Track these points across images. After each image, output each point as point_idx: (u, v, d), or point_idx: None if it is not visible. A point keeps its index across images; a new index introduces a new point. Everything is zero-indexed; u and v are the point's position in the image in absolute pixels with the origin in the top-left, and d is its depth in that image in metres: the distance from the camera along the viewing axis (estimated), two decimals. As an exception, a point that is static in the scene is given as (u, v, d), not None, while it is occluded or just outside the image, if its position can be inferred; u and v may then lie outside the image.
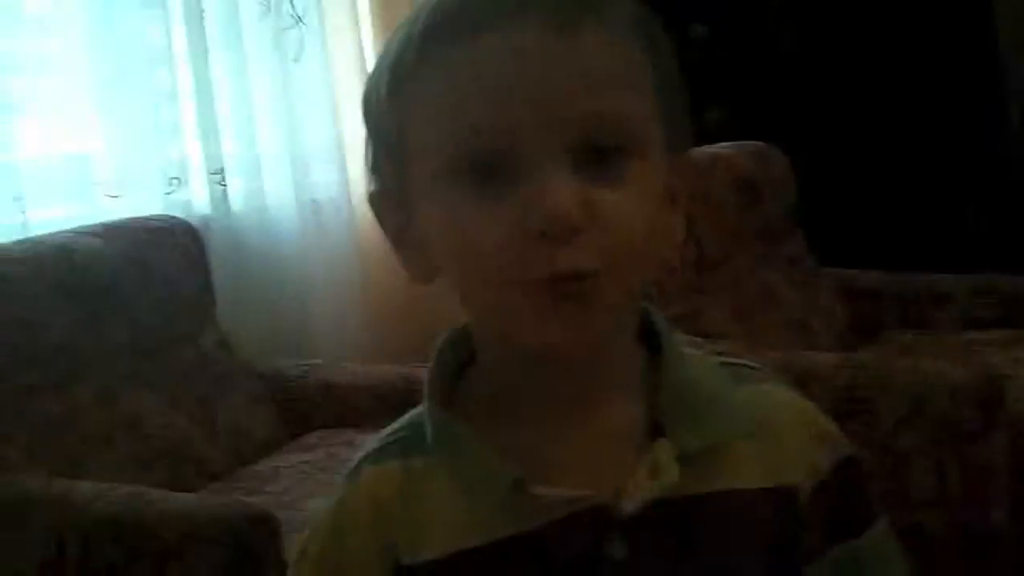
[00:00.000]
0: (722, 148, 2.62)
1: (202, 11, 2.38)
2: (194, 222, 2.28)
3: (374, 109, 0.62)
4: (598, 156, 0.57)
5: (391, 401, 2.17)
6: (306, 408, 2.21)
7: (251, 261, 2.45)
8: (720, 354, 0.69)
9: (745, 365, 0.69)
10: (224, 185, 2.41)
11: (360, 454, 0.66)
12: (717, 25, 3.23)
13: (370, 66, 2.66)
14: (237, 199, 2.45)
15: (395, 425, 0.67)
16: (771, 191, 2.63)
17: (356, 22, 2.69)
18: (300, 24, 2.60)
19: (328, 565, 0.64)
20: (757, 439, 0.64)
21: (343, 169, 2.61)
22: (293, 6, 2.58)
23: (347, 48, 2.67)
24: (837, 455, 0.67)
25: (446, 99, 0.57)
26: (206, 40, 2.39)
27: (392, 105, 0.60)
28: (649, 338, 0.65)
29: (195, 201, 2.40)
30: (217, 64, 2.43)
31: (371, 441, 0.67)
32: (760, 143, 2.71)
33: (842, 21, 3.28)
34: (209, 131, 2.40)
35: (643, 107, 0.59)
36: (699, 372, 0.65)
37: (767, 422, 0.65)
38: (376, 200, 0.65)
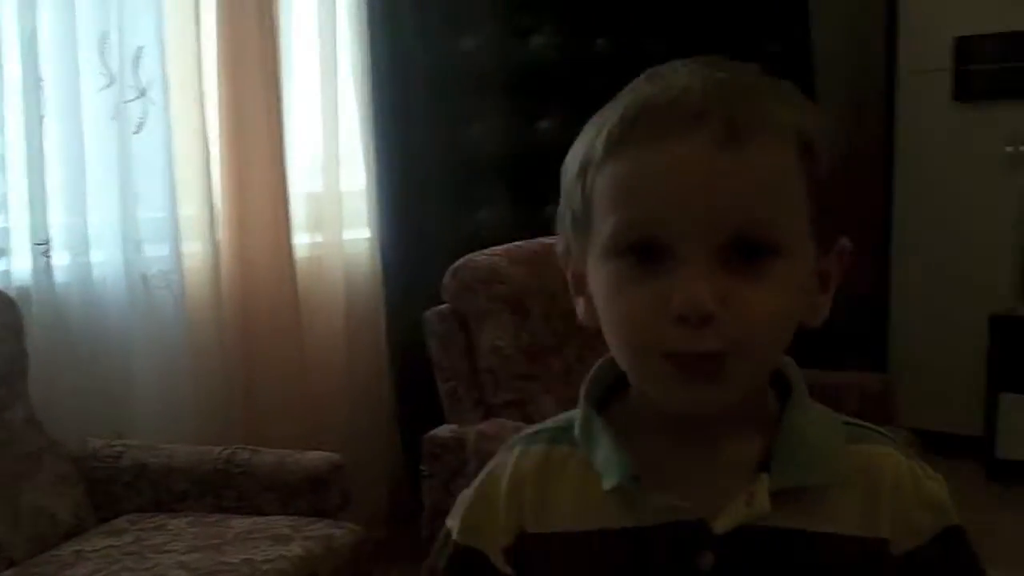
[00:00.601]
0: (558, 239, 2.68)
1: (40, 80, 2.34)
2: (12, 292, 2.21)
3: (570, 184, 0.73)
4: (746, 254, 0.66)
5: (209, 484, 2.13)
6: (117, 490, 2.14)
7: (73, 335, 2.37)
8: (851, 418, 0.77)
9: (870, 428, 0.76)
10: (48, 256, 2.34)
11: (517, 435, 0.79)
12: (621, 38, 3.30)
13: (212, 141, 2.72)
14: (61, 271, 2.38)
15: (551, 420, 0.79)
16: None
17: (201, 97, 2.67)
18: (144, 96, 2.57)
19: (471, 517, 0.77)
20: (860, 491, 0.72)
21: (177, 245, 2.57)
22: (138, 78, 2.55)
23: (190, 122, 2.65)
24: (941, 523, 0.73)
25: (620, 192, 0.68)
26: (40, 108, 2.34)
27: (581, 185, 0.71)
28: (782, 383, 0.75)
29: (16, 271, 2.33)
30: (51, 133, 2.38)
31: (529, 428, 0.80)
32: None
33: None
34: (36, 201, 2.33)
35: (791, 212, 0.68)
36: (816, 422, 0.74)
37: (873, 477, 0.73)
38: (562, 256, 0.78)
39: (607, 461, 0.73)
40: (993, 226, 3.57)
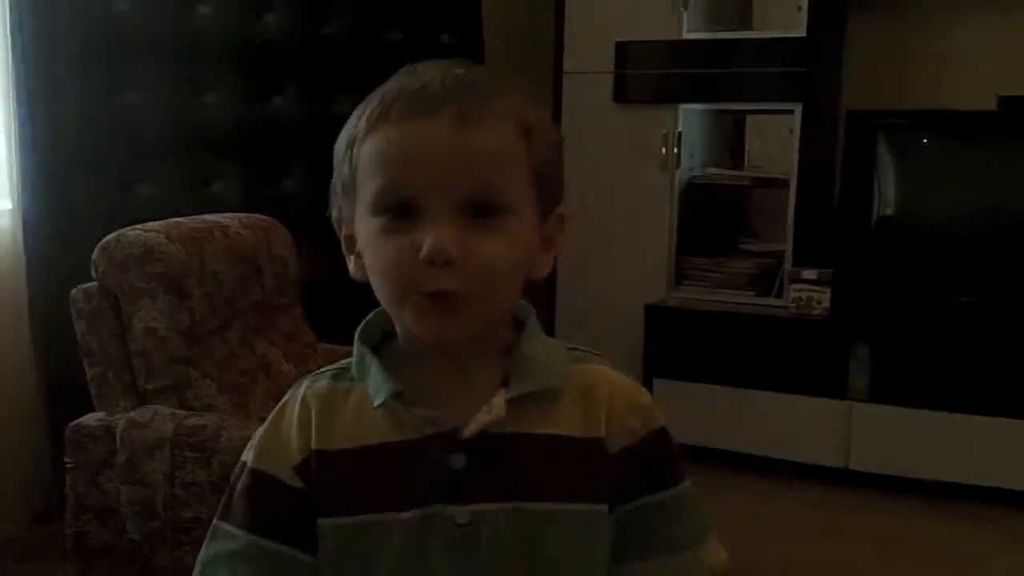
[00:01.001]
0: (223, 218, 2.56)
1: None
2: None
3: (339, 156, 0.89)
4: (478, 211, 0.83)
5: None
6: None
7: None
8: (574, 344, 0.95)
9: (590, 352, 0.94)
10: None
11: (302, 377, 0.94)
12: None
13: None
14: None
15: (333, 364, 0.93)
16: (271, 265, 2.61)
17: None
18: None
19: (264, 445, 0.91)
20: (581, 401, 0.89)
21: None
22: None
23: None
24: (650, 426, 0.91)
25: (379, 160, 0.84)
26: None
27: (349, 157, 0.87)
28: (519, 322, 0.92)
29: None
30: None
31: (314, 371, 0.94)
32: (264, 216, 2.69)
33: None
34: None
35: (515, 180, 0.85)
36: (542, 347, 0.91)
37: (591, 390, 0.90)
38: (336, 220, 0.92)
39: (376, 384, 0.88)
40: (649, 222, 3.79)
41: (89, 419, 2.28)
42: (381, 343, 0.93)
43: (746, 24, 3.86)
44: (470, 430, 0.86)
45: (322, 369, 0.94)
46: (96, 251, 2.29)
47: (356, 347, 0.92)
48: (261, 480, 0.90)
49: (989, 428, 3.30)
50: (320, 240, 3.32)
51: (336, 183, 0.90)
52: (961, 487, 3.31)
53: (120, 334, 2.28)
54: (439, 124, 0.82)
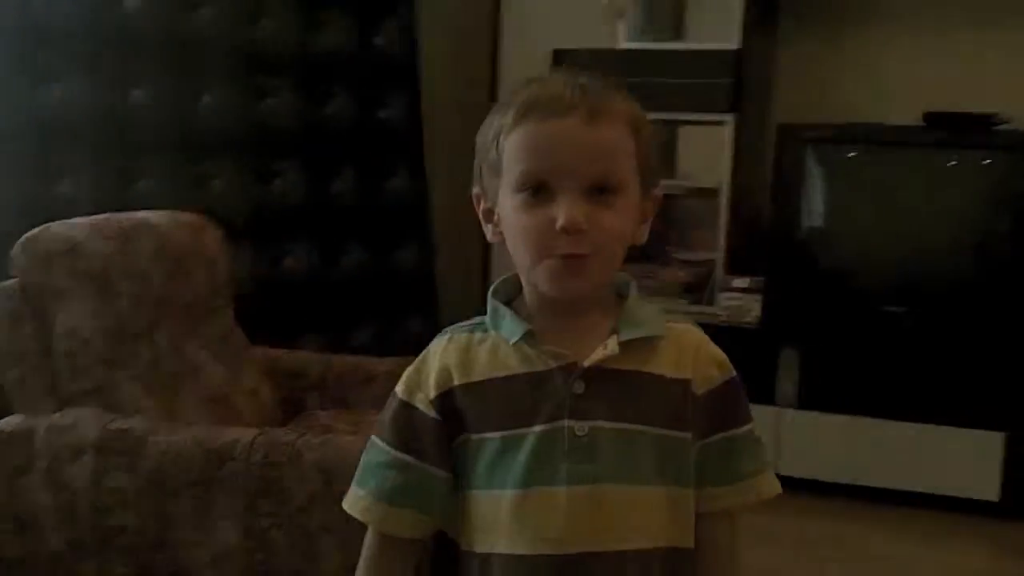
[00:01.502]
0: (152, 215, 2.49)
1: None
2: None
3: (486, 145, 1.09)
4: (599, 191, 1.04)
5: None
6: None
7: None
8: (669, 310, 1.17)
9: (681, 315, 1.17)
10: None
11: (444, 331, 1.14)
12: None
13: None
14: None
15: (470, 320, 1.14)
16: (202, 265, 2.54)
17: None
18: None
19: (409, 381, 1.12)
20: (674, 350, 1.11)
21: None
22: None
23: None
24: (726, 375, 1.13)
25: (524, 150, 1.05)
26: None
27: (495, 145, 1.08)
28: (620, 293, 1.15)
29: None
30: None
31: (452, 326, 1.14)
32: (195, 215, 2.62)
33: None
34: None
35: (627, 166, 1.07)
36: (644, 306, 1.13)
37: (682, 342, 1.12)
38: (477, 194, 1.13)
39: (510, 327, 1.09)
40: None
41: (5, 423, 2.18)
42: (507, 303, 1.13)
43: (680, 35, 3.89)
44: (590, 360, 1.07)
45: (458, 325, 1.15)
46: (16, 247, 2.20)
47: (490, 302, 1.13)
48: (405, 409, 1.11)
49: (915, 434, 3.36)
50: (254, 241, 3.28)
51: (481, 165, 1.11)
52: (888, 491, 3.37)
53: (42, 335, 2.20)
54: (571, 123, 1.04)
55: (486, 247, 3.96)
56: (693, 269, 3.77)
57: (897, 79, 3.79)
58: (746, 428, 1.14)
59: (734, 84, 3.59)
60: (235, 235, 2.81)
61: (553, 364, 1.07)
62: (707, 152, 3.78)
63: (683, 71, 3.64)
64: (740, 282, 3.59)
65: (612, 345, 1.07)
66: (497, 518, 1.08)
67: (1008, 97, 3.51)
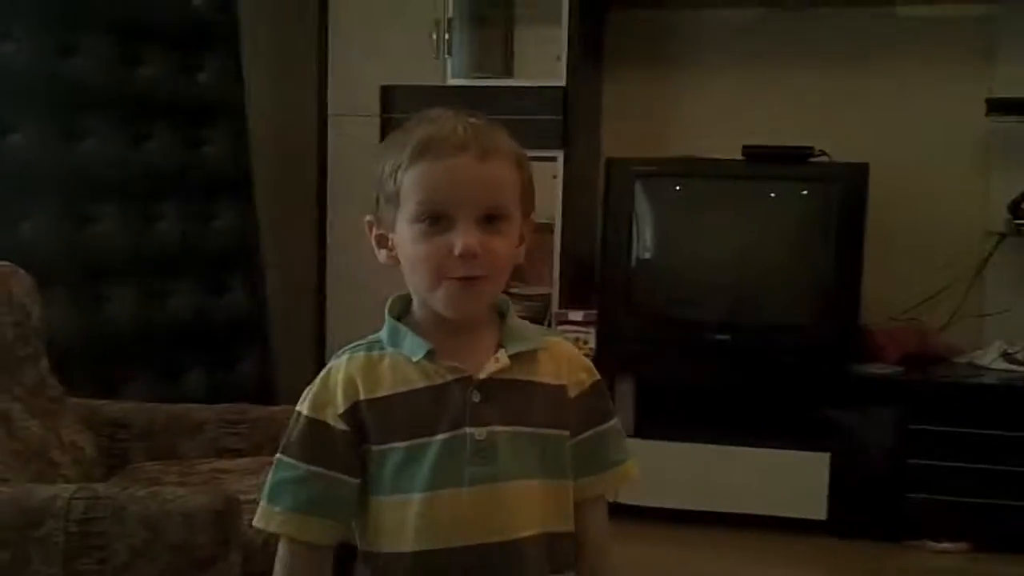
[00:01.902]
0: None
1: None
2: None
3: (384, 177, 1.19)
4: (489, 220, 1.16)
5: None
6: None
7: None
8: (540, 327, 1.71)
9: (552, 331, 1.81)
10: None
11: (340, 351, 1.24)
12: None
13: None
14: None
15: (362, 339, 1.24)
16: (9, 313, 2.39)
17: None
18: None
19: (317, 399, 1.21)
20: (552, 360, 1.25)
21: None
22: None
23: None
24: (592, 379, 1.28)
25: (421, 184, 1.16)
26: None
27: (393, 179, 1.18)
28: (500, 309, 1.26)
29: None
30: None
31: (347, 346, 1.24)
32: (4, 262, 2.47)
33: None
34: None
35: (513, 197, 1.19)
36: (522, 323, 1.26)
37: (555, 351, 1.26)
38: (370, 222, 1.25)
39: (412, 346, 1.20)
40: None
41: None
42: (398, 320, 1.25)
43: (508, 72, 3.93)
44: (485, 372, 1.19)
45: (354, 344, 1.23)
46: None
47: (389, 323, 1.23)
48: (314, 425, 1.20)
49: (746, 457, 3.47)
50: (70, 287, 3.11)
51: (378, 196, 1.21)
52: (723, 515, 3.45)
53: None
54: (465, 160, 1.15)
55: (320, 286, 3.90)
56: (529, 304, 3.79)
57: (718, 114, 3.93)
58: (612, 423, 1.30)
59: (562, 120, 3.65)
60: (49, 281, 2.66)
61: (451, 377, 1.19)
62: (539, 187, 3.77)
63: (513, 108, 3.67)
64: (575, 315, 3.63)
65: (503, 358, 1.21)
66: (404, 520, 1.18)
67: (823, 132, 3.69)
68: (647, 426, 3.50)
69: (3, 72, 2.93)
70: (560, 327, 3.62)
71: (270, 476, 1.21)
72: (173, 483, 2.31)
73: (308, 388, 1.23)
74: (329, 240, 3.88)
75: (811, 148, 3.56)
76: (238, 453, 2.60)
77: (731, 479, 3.48)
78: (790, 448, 3.45)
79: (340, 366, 1.22)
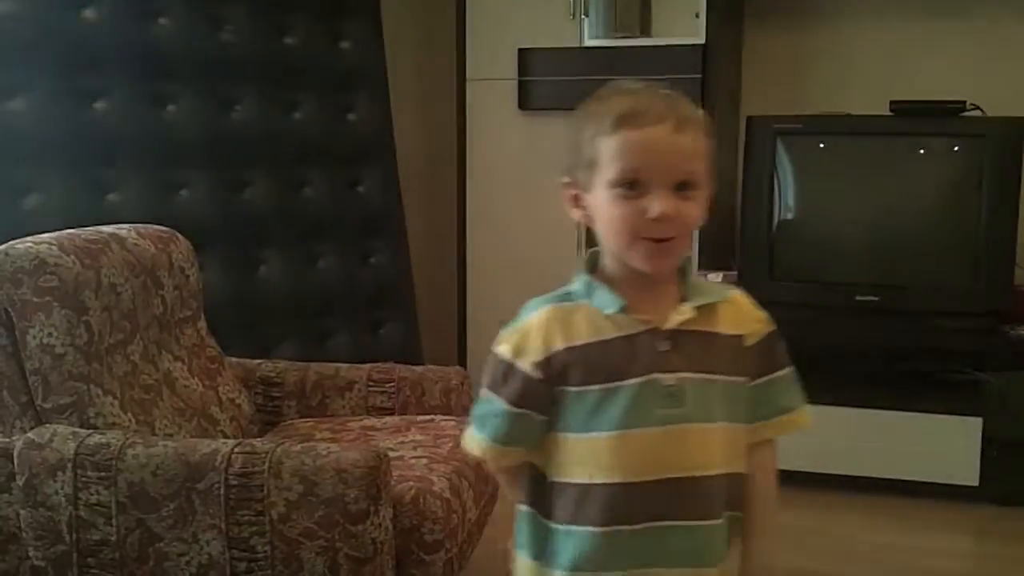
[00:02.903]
0: (119, 229, 2.46)
1: None
2: None
3: (582, 143, 1.29)
4: (682, 186, 1.25)
5: None
6: None
7: None
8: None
9: (726, 286, 1.40)
10: None
11: (533, 302, 1.34)
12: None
13: None
14: None
15: (551, 293, 1.34)
16: (171, 276, 2.51)
17: None
18: None
19: (515, 345, 1.32)
20: (730, 312, 1.35)
21: None
22: None
23: None
24: (768, 328, 1.38)
25: (621, 151, 1.25)
26: None
27: (592, 145, 1.28)
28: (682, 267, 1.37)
29: None
30: None
31: (538, 298, 1.34)
32: (164, 227, 2.59)
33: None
34: None
35: (703, 167, 1.28)
36: (700, 280, 1.37)
37: (733, 303, 1.36)
38: (566, 183, 1.33)
39: (605, 300, 1.30)
40: (558, 228, 3.79)
41: (-17, 441, 2.16)
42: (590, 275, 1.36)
43: (645, 31, 3.89)
44: (671, 323, 1.30)
45: (545, 296, 1.34)
46: (-16, 265, 2.17)
47: (583, 277, 1.33)
48: (512, 369, 1.32)
49: (895, 421, 3.39)
50: (225, 250, 3.25)
51: (578, 161, 1.30)
52: (865, 479, 3.39)
53: (13, 351, 2.16)
54: (663, 130, 1.25)
55: (461, 249, 3.95)
56: (668, 265, 3.77)
57: (863, 69, 3.81)
58: (786, 371, 1.40)
59: (702, 78, 3.59)
60: (204, 246, 2.78)
61: (641, 328, 1.30)
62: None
63: (650, 67, 3.64)
64: (714, 276, 3.59)
65: (688, 310, 1.31)
66: (596, 454, 1.30)
67: (975, 85, 3.54)
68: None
69: (159, 45, 3.06)
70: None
71: (477, 406, 1.37)
72: (325, 439, 2.39)
73: (504, 333, 1.35)
74: (469, 204, 3.93)
75: (963, 102, 3.41)
76: (386, 412, 2.68)
77: (879, 444, 3.40)
78: (940, 412, 3.35)
79: (538, 317, 1.33)
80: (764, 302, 1.39)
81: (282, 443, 2.06)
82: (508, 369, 1.33)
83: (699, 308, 1.32)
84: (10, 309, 2.16)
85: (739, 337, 1.35)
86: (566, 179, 1.35)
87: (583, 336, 1.31)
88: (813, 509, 3.26)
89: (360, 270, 3.53)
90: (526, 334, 1.33)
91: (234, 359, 2.71)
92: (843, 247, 3.57)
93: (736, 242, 3.74)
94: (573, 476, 1.33)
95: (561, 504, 1.35)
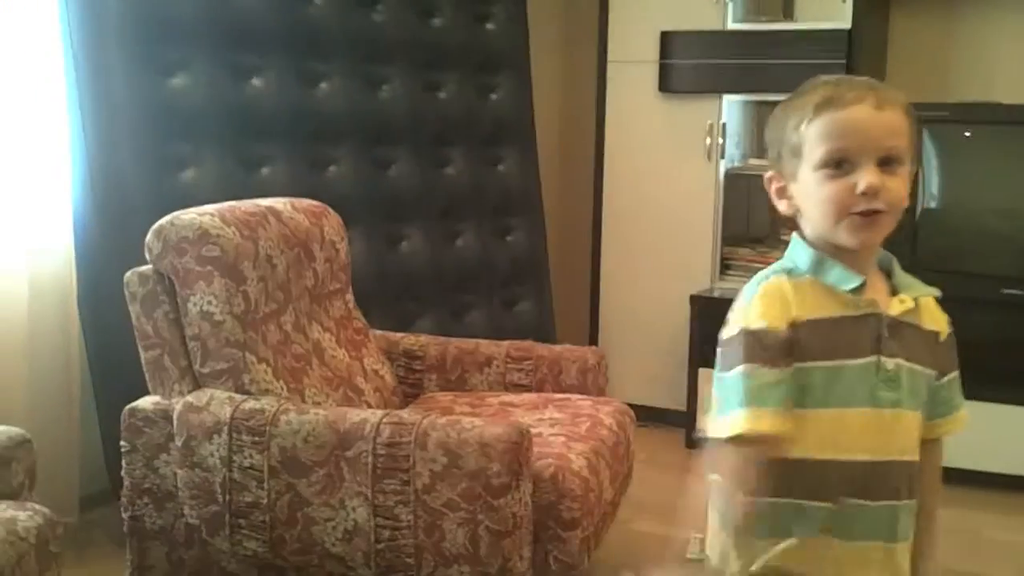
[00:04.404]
0: (276, 202, 2.55)
1: None
2: None
3: (784, 132, 1.35)
4: (886, 162, 1.29)
5: None
6: None
7: None
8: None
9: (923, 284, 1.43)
10: None
11: (757, 277, 1.37)
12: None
13: None
14: None
15: (771, 268, 1.37)
16: (323, 250, 2.60)
17: None
18: None
19: (766, 311, 1.31)
20: (927, 307, 1.40)
21: None
22: None
23: None
24: (950, 327, 1.43)
25: (826, 133, 1.30)
26: None
27: (797, 133, 1.33)
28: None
29: None
30: None
31: (761, 273, 1.37)
32: (316, 201, 2.68)
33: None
34: None
35: (905, 144, 1.32)
36: (907, 275, 1.40)
37: (929, 301, 1.41)
38: (771, 177, 1.39)
39: (842, 277, 1.33)
40: (693, 211, 3.78)
41: (145, 402, 2.28)
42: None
43: (789, 15, 3.83)
44: (892, 312, 1.35)
45: (768, 271, 1.37)
46: (150, 234, 2.27)
47: (812, 253, 1.35)
48: (764, 334, 1.31)
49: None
50: (369, 226, 3.32)
51: (780, 151, 1.36)
52: (1007, 477, 3.30)
53: (175, 318, 2.27)
54: (864, 109, 1.29)
55: (596, 229, 3.97)
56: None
57: (1009, 58, 3.68)
58: (958, 372, 1.46)
59: (847, 64, 3.52)
60: (350, 220, 2.86)
61: (869, 310, 1.34)
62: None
63: (793, 52, 3.58)
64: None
65: (908, 302, 1.36)
66: (814, 430, 1.32)
67: None
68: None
69: (313, 25, 3.15)
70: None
71: (742, 383, 1.30)
72: (466, 414, 2.45)
73: (737, 309, 1.35)
74: (606, 185, 3.95)
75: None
76: (523, 388, 2.73)
77: (1018, 439, 3.30)
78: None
79: (773, 287, 1.35)
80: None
81: (428, 415, 2.12)
82: (764, 335, 1.32)
83: (915, 300, 1.37)
84: (173, 277, 2.26)
85: (935, 333, 1.41)
86: (769, 173, 1.39)
87: (815, 310, 1.33)
88: (948, 506, 3.18)
89: (498, 248, 3.58)
90: (766, 303, 1.33)
91: (377, 331, 2.79)
92: (989, 238, 3.47)
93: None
94: (784, 451, 1.34)
95: (771, 478, 1.35)
